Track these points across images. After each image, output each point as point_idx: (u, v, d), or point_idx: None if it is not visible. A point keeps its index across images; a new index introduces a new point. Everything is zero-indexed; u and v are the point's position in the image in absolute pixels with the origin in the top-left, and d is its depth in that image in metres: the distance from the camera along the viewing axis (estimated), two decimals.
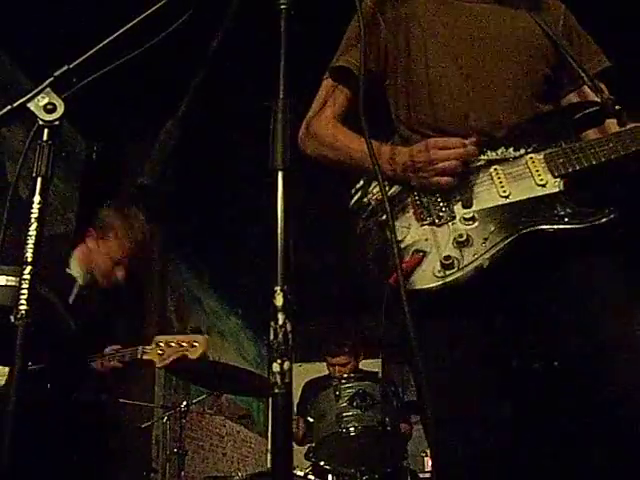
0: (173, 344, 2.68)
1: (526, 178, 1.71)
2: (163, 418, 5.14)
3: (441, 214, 1.72)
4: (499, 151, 1.75)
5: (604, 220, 1.61)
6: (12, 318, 1.19)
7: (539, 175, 1.69)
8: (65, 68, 1.35)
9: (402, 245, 1.71)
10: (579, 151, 1.68)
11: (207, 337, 2.78)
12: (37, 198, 1.26)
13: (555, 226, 1.63)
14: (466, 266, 1.63)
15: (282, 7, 1.20)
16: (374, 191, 1.80)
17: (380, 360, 9.01)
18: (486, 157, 1.76)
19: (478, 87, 1.82)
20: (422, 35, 1.88)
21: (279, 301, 0.94)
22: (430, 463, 6.78)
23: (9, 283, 2.51)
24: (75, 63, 1.36)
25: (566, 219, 1.64)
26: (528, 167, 1.72)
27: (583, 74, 1.82)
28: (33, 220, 1.25)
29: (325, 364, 5.06)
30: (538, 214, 1.66)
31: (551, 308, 1.69)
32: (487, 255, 1.63)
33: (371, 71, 1.89)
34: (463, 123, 1.80)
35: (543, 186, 1.68)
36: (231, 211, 7.17)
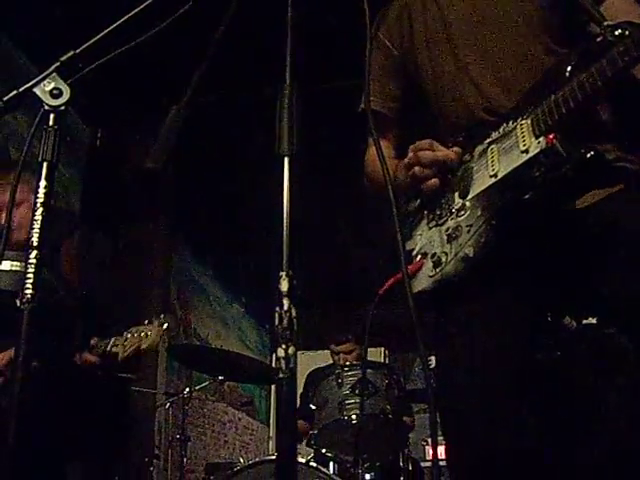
0: (134, 334, 2.66)
1: (514, 148, 1.55)
2: (166, 405, 5.17)
3: (443, 212, 1.69)
4: (500, 129, 1.62)
5: (583, 157, 1.40)
6: (18, 302, 1.19)
7: (523, 141, 1.52)
8: (71, 53, 1.35)
9: (414, 253, 1.72)
10: (565, 94, 1.45)
11: (162, 326, 2.73)
12: (43, 183, 1.27)
13: (527, 193, 1.47)
14: (452, 259, 1.59)
15: None
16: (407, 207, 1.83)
17: (382, 349, 9.05)
18: (489, 139, 1.65)
19: (478, 74, 1.74)
20: (423, 35, 1.86)
21: (284, 286, 0.95)
22: (431, 452, 6.80)
23: (14, 268, 2.52)
24: (81, 49, 1.36)
25: (538, 178, 1.46)
26: (516, 136, 1.55)
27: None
28: (39, 205, 1.26)
29: (327, 352, 5.07)
30: (515, 185, 1.51)
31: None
32: (470, 242, 1.56)
33: (394, 97, 1.93)
34: (468, 113, 1.74)
35: (526, 152, 1.51)
36: (235, 199, 7.17)
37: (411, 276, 1.67)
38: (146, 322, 2.70)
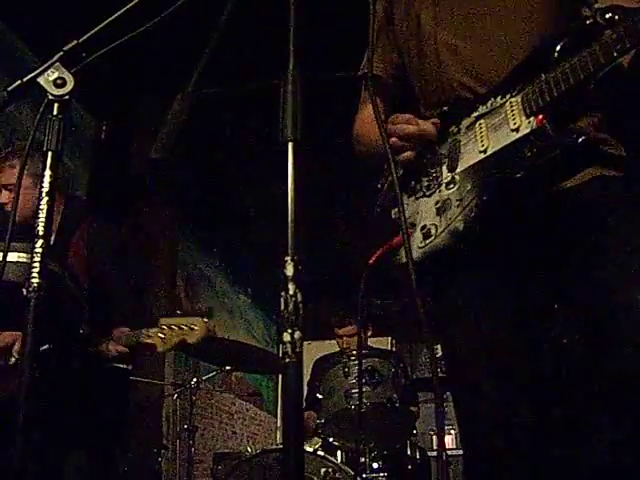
0: (174, 327, 2.63)
1: (503, 126, 1.55)
2: (173, 395, 5.19)
3: (430, 184, 1.69)
4: (488, 103, 1.62)
5: (574, 143, 1.41)
6: (24, 291, 1.20)
7: (513, 119, 1.52)
8: (74, 43, 1.35)
9: (398, 223, 1.70)
10: (557, 77, 1.44)
11: (207, 320, 2.70)
12: (48, 172, 1.27)
13: (518, 172, 1.47)
14: (442, 232, 1.59)
15: None
16: (386, 176, 1.82)
17: (389, 338, 9.06)
18: (477, 113, 1.64)
19: (470, 48, 1.72)
20: (428, 13, 1.85)
21: (290, 271, 0.95)
22: (437, 441, 6.81)
23: (20, 259, 2.53)
24: (84, 38, 1.36)
25: (530, 158, 1.46)
26: (506, 113, 1.55)
27: None
28: (44, 194, 1.26)
29: (334, 342, 5.08)
30: (506, 164, 1.51)
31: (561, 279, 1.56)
32: (461, 216, 1.56)
33: (395, 64, 1.93)
34: (455, 89, 1.73)
35: (516, 130, 1.51)
36: (241, 190, 7.17)
37: (399, 246, 1.66)
38: (178, 312, 2.68)
